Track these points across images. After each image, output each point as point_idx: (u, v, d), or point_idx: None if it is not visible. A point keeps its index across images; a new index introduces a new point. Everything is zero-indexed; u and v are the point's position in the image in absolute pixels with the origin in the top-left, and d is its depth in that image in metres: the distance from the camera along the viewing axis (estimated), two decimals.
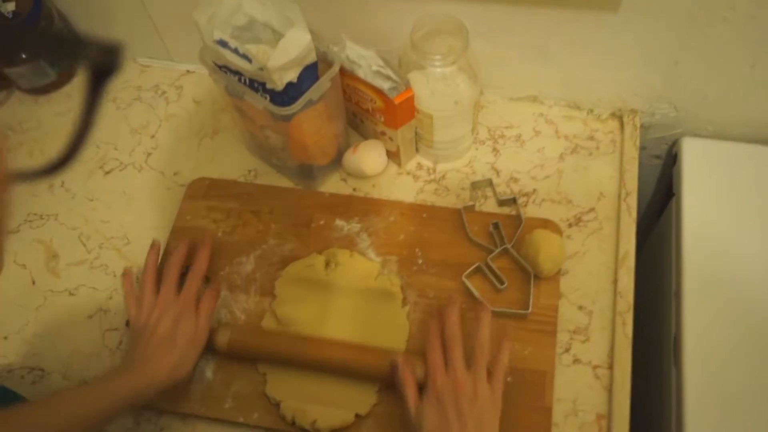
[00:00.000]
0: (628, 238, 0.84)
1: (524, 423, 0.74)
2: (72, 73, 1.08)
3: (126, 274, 0.84)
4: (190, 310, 0.77)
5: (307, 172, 0.91)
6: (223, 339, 0.78)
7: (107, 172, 0.99)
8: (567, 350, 0.79)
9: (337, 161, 0.93)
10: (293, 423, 0.75)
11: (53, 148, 0.95)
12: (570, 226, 0.87)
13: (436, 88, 0.82)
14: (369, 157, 0.90)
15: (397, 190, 0.92)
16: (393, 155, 0.92)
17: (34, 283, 0.90)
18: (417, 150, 0.94)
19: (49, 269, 0.91)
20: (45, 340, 0.86)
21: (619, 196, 0.88)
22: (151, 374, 0.71)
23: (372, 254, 0.86)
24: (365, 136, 0.94)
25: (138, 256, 0.90)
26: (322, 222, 0.89)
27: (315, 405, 0.75)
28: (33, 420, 0.64)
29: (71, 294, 0.89)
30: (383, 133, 0.89)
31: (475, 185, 0.89)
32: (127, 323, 0.84)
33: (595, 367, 0.78)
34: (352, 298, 0.82)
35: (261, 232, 0.89)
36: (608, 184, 0.90)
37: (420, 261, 0.85)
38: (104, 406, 0.68)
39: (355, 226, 0.88)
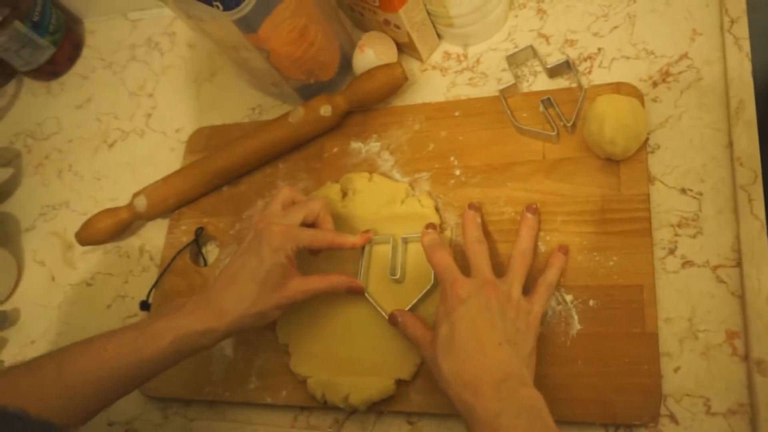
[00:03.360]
0: (741, 82, 0.60)
1: (619, 357, 0.54)
2: (74, 41, 0.98)
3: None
4: (267, 234, 0.58)
5: (313, 93, 0.74)
6: (140, 204, 0.74)
7: (111, 145, 0.88)
8: (671, 252, 0.57)
9: (345, 72, 0.75)
10: (325, 401, 0.60)
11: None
12: (655, 85, 0.63)
13: None
14: (380, 50, 0.71)
15: (424, 90, 0.73)
16: (409, 48, 0.73)
17: (53, 279, 0.82)
18: (439, 36, 0.74)
19: (65, 261, 0.83)
20: (69, 339, 0.77)
21: (721, 27, 0.63)
22: (207, 317, 0.56)
23: (397, 175, 0.68)
24: None
25: (149, 231, 0.79)
26: (335, 149, 0.72)
27: (347, 376, 0.60)
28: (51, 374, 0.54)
29: (88, 285, 0.80)
30: (387, 22, 0.70)
31: (513, 59, 0.68)
32: (141, 306, 0.74)
33: (716, 267, 0.56)
34: (377, 229, 0.65)
35: (268, 175, 0.74)
36: (703, 15, 0.65)
37: (457, 172, 0.66)
38: (144, 354, 0.55)
39: (374, 145, 0.71)
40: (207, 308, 0.57)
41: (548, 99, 0.63)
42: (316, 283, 0.59)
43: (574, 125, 0.62)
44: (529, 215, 0.59)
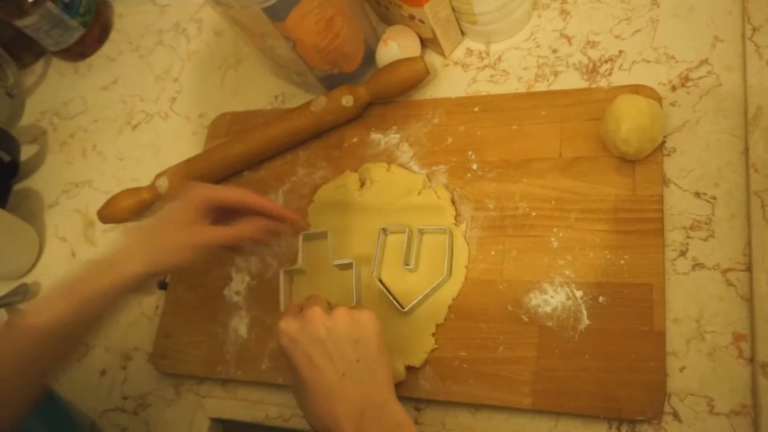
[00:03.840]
0: (760, 90, 0.60)
1: (626, 354, 0.54)
2: (103, 24, 1.00)
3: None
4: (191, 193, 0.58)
5: (336, 84, 0.75)
6: (162, 185, 0.75)
7: (134, 127, 0.90)
8: (682, 253, 0.58)
9: (368, 64, 0.77)
10: None
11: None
12: (674, 89, 0.64)
13: None
14: (404, 44, 0.72)
15: (444, 85, 0.74)
16: (432, 43, 0.74)
17: (74, 255, 0.84)
18: (463, 33, 0.75)
19: (86, 238, 0.85)
20: None
21: (743, 35, 0.63)
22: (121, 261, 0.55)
23: (415, 167, 0.69)
24: None
25: None
26: (355, 139, 0.74)
27: None
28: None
29: None
30: (412, 17, 0.71)
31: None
32: (159, 286, 0.76)
33: (726, 270, 0.56)
34: (392, 219, 0.66)
35: (288, 162, 0.76)
36: (725, 22, 0.65)
37: (474, 166, 0.67)
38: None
39: (393, 137, 0.72)
40: (107, 270, 0.55)
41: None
42: (221, 231, 0.58)
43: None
44: None
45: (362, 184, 0.69)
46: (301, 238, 0.68)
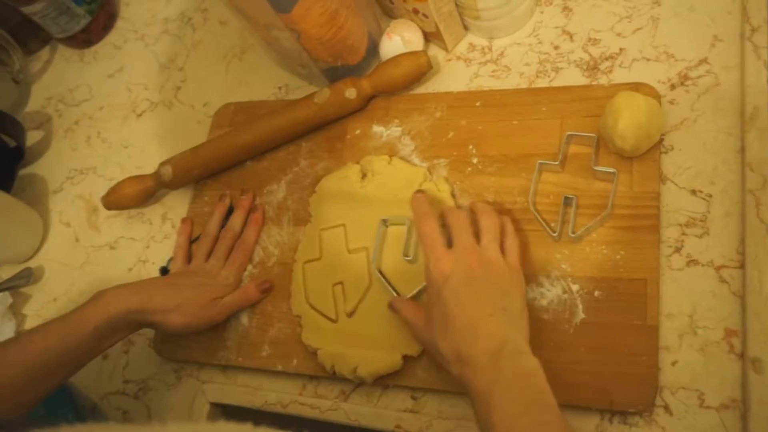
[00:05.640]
0: (757, 90, 0.61)
1: (620, 347, 0.56)
2: (109, 12, 1.00)
3: (184, 221, 0.77)
4: (214, 282, 0.69)
5: (340, 76, 0.76)
6: (166, 173, 0.77)
7: (139, 115, 0.91)
8: (677, 250, 0.59)
9: (372, 57, 0.77)
10: (334, 372, 0.63)
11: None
12: (673, 87, 0.65)
13: None
14: (407, 38, 0.73)
15: (447, 80, 0.75)
16: (435, 37, 0.75)
17: (77, 240, 0.86)
18: (466, 28, 0.76)
19: (90, 224, 0.86)
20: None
21: (742, 35, 0.64)
22: (133, 300, 0.62)
23: (416, 159, 0.70)
24: None
25: (173, 200, 0.82)
26: (357, 132, 0.74)
27: (356, 349, 0.62)
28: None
29: (111, 248, 0.83)
30: (416, 11, 0.72)
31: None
32: (162, 272, 0.77)
33: (720, 267, 0.57)
34: (393, 211, 0.67)
35: (291, 153, 0.77)
36: (724, 22, 0.66)
37: (474, 160, 0.68)
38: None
39: (395, 130, 0.73)
40: (133, 294, 0.63)
41: (573, 198, 0.61)
42: (231, 299, 0.68)
43: (578, 237, 0.60)
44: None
45: (364, 176, 0.70)
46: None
